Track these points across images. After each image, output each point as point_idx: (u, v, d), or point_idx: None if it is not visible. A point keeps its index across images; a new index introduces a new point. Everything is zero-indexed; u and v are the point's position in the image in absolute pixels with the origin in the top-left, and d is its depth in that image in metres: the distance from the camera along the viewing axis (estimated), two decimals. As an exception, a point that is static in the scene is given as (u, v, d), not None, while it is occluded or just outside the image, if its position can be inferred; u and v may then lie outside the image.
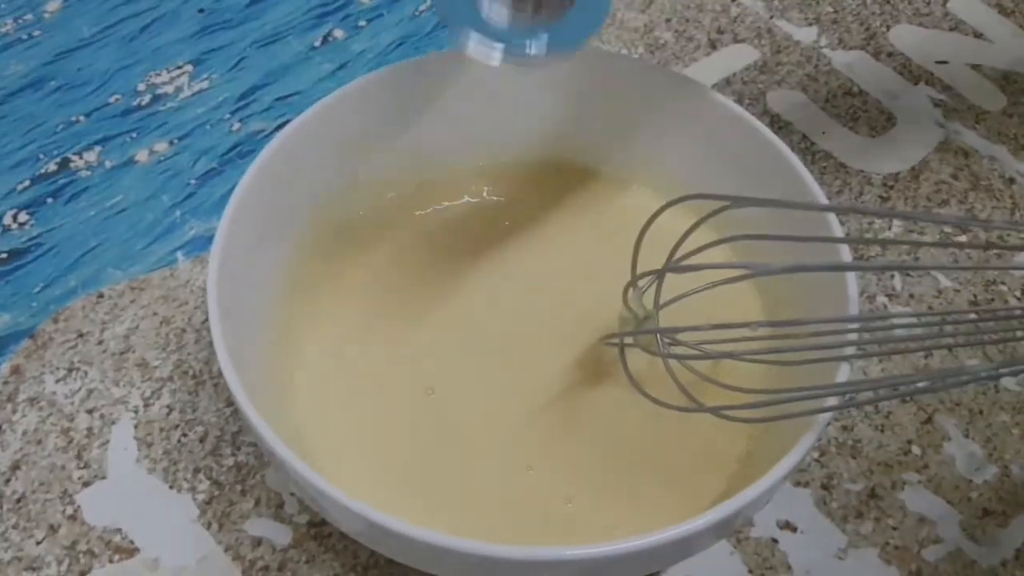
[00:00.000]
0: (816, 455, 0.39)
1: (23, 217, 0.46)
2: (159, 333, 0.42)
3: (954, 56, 0.52)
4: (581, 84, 0.41)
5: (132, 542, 0.37)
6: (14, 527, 0.37)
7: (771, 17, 0.54)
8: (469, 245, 0.41)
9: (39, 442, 0.39)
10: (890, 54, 0.53)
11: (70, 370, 0.41)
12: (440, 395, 0.37)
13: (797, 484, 0.38)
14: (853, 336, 0.32)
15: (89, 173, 0.47)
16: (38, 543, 0.37)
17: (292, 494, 0.38)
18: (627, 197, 0.42)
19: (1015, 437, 0.40)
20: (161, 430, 0.39)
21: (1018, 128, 0.49)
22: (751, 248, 0.35)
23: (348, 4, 0.55)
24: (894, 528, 0.37)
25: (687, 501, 0.34)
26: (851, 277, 0.33)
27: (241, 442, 0.39)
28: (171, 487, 0.38)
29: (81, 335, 0.42)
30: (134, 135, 0.49)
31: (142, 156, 0.48)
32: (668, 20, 0.54)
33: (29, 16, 0.54)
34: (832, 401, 0.31)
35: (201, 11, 0.54)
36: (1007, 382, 0.41)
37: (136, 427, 0.39)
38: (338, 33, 0.53)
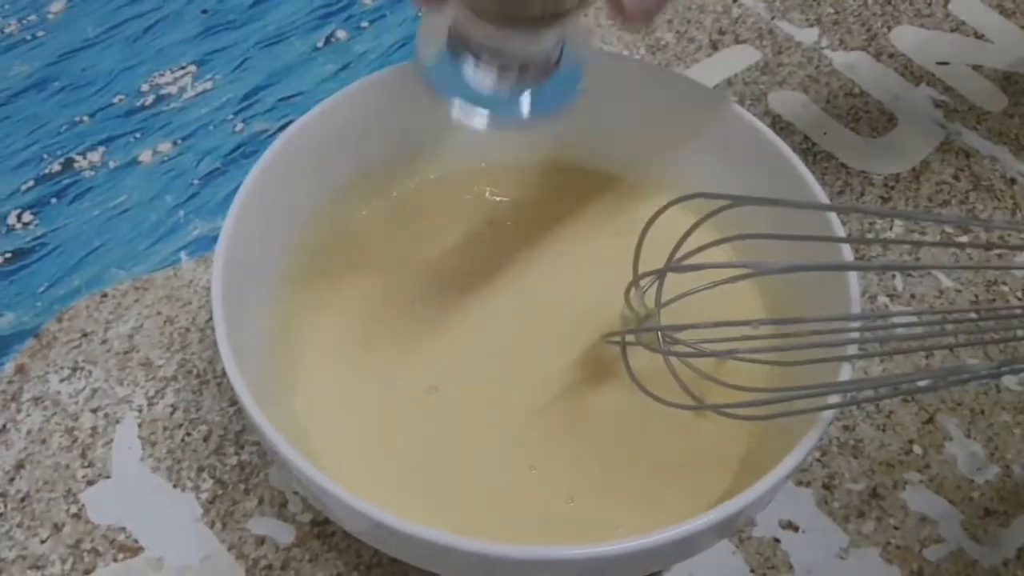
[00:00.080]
0: (818, 455, 0.39)
1: (27, 217, 0.46)
2: (163, 332, 0.42)
3: (955, 57, 0.53)
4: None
5: (136, 541, 0.37)
6: (18, 526, 0.37)
7: (772, 18, 0.54)
8: (471, 245, 0.41)
9: (43, 441, 0.39)
10: (891, 55, 0.53)
11: (74, 369, 0.41)
12: (442, 394, 0.37)
13: (799, 484, 0.38)
14: (854, 335, 0.32)
15: (93, 173, 0.48)
16: (42, 542, 0.37)
17: (295, 493, 0.38)
18: (628, 197, 0.42)
19: (1016, 437, 0.40)
20: (165, 429, 0.39)
21: (1019, 129, 0.49)
22: (752, 248, 0.35)
23: (351, 5, 0.55)
24: (896, 528, 0.37)
25: (689, 500, 0.34)
26: (853, 277, 0.33)
27: (244, 441, 0.39)
28: (175, 486, 0.38)
29: (85, 334, 0.42)
30: (138, 135, 0.49)
31: (146, 156, 0.48)
32: (669, 21, 0.54)
33: (33, 17, 0.54)
34: (833, 399, 0.31)
35: (204, 12, 0.54)
36: (1008, 382, 0.41)
37: (140, 426, 0.39)
38: (341, 34, 0.53)
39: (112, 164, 0.48)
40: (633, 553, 0.28)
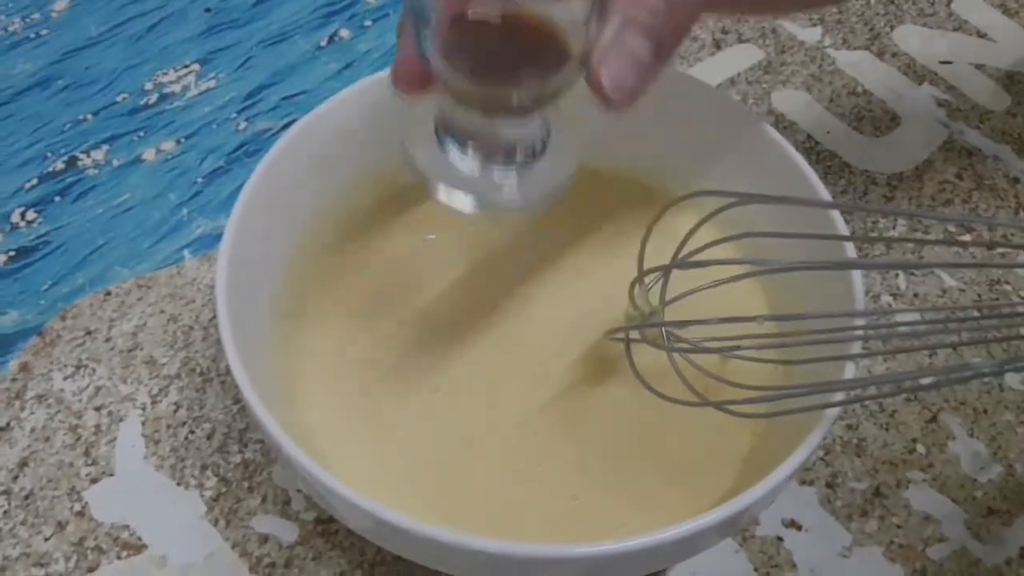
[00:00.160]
0: (821, 454, 0.39)
1: (31, 215, 0.46)
2: (166, 331, 0.42)
3: (958, 56, 0.53)
4: (583, 84, 0.41)
5: (140, 538, 0.37)
6: (22, 523, 0.37)
7: (775, 17, 0.54)
8: (474, 243, 0.41)
9: (47, 439, 0.39)
10: (894, 54, 0.53)
11: (78, 367, 0.41)
12: (445, 393, 0.37)
13: (802, 483, 0.38)
14: (858, 333, 0.32)
15: (96, 171, 0.48)
16: (46, 539, 0.37)
17: (299, 491, 0.38)
18: (631, 195, 0.42)
19: (1020, 436, 0.40)
20: (168, 427, 0.39)
21: (1022, 128, 0.49)
22: (756, 246, 0.35)
23: (354, 4, 0.55)
24: (899, 527, 0.37)
25: (692, 499, 0.34)
26: (856, 276, 0.33)
27: (248, 439, 0.39)
28: (178, 484, 0.38)
29: (89, 333, 0.42)
30: (141, 134, 0.49)
31: (149, 155, 0.48)
32: (673, 20, 0.54)
33: (37, 15, 0.54)
34: (837, 397, 0.31)
35: (208, 10, 0.54)
36: (1012, 381, 0.41)
37: (144, 424, 0.40)
38: (344, 33, 0.53)
39: (116, 162, 0.48)
40: (636, 552, 0.28)
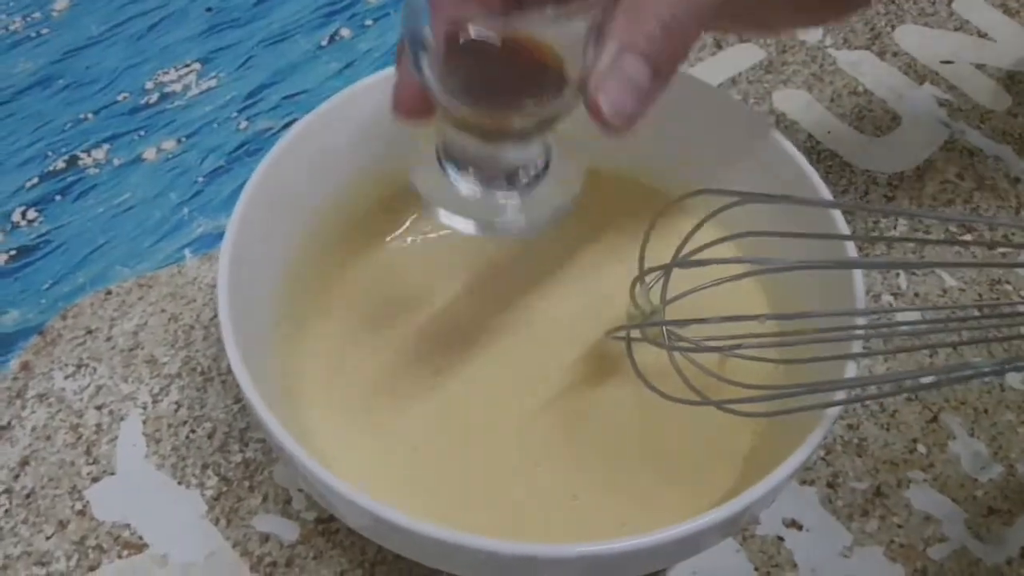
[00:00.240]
0: (822, 453, 0.39)
1: (32, 214, 0.46)
2: (167, 330, 0.42)
3: (959, 56, 0.53)
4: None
5: (141, 538, 0.37)
6: (23, 522, 0.37)
7: (777, 17, 0.54)
8: (475, 242, 0.41)
9: (48, 438, 0.39)
10: (895, 54, 0.53)
11: (79, 366, 0.41)
12: (446, 392, 0.37)
13: (803, 482, 0.38)
14: (859, 332, 0.32)
15: (97, 171, 0.48)
16: (47, 538, 0.37)
17: (300, 490, 0.38)
18: (632, 194, 0.42)
19: (1020, 436, 0.40)
20: (169, 426, 0.39)
21: (1023, 128, 0.49)
22: (757, 246, 0.35)
23: (355, 3, 0.55)
24: (899, 526, 0.37)
25: (693, 498, 0.34)
26: (857, 275, 0.33)
27: (249, 438, 0.39)
28: (179, 483, 0.38)
29: (90, 332, 0.42)
30: (142, 133, 0.49)
31: (150, 154, 0.48)
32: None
33: (37, 14, 0.54)
34: (838, 396, 0.31)
35: (209, 10, 0.54)
36: (1012, 381, 0.41)
37: (145, 423, 0.40)
38: (345, 32, 0.53)
39: (116, 162, 0.48)
40: (637, 551, 0.28)
